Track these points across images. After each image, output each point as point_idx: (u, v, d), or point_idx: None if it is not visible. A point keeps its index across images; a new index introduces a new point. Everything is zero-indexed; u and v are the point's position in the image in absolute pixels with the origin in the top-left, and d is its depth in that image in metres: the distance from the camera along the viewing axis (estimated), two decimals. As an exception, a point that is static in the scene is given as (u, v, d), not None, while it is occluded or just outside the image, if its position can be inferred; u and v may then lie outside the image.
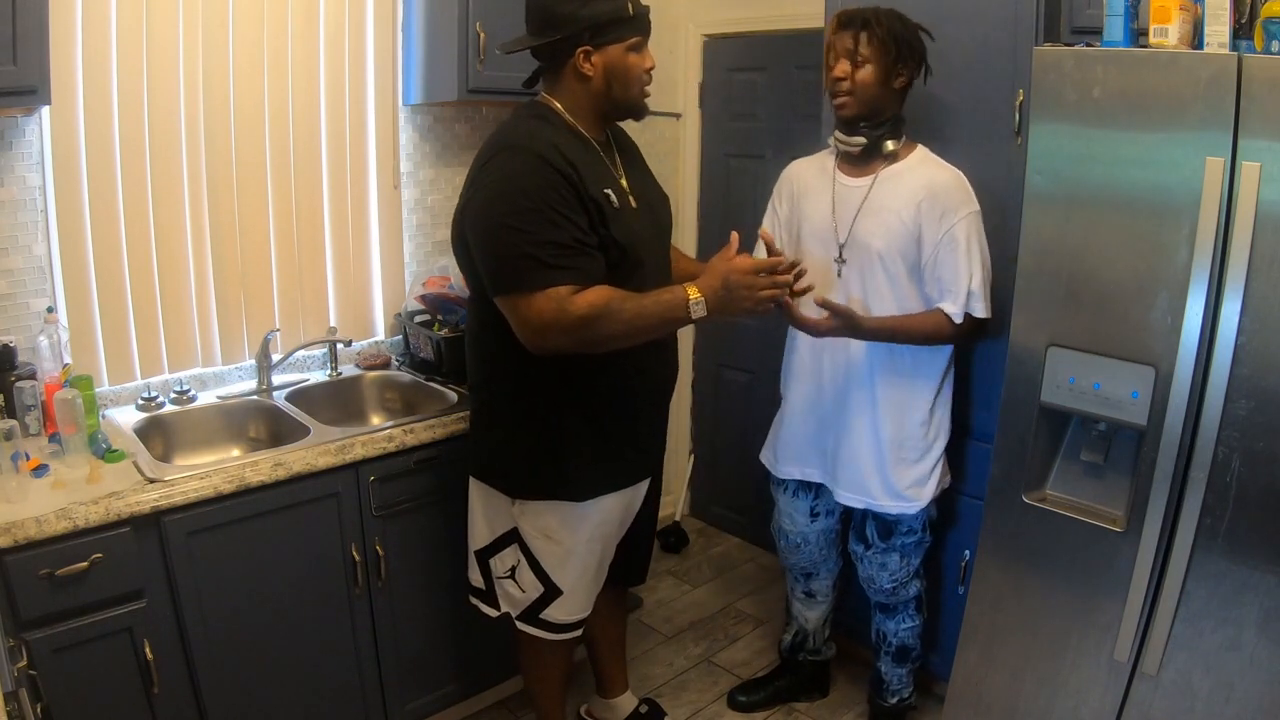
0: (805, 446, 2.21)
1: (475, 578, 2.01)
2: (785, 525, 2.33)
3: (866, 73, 1.93)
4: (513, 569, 1.92)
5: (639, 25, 1.72)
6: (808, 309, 1.93)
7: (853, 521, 2.24)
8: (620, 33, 1.69)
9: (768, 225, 2.23)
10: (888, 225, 1.97)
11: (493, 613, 2.01)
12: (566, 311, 1.61)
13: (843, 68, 1.94)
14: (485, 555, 1.96)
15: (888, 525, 2.15)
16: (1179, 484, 1.65)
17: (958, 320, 1.97)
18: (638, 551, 2.16)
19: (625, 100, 1.76)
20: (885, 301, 2.01)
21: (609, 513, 1.90)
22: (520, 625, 1.97)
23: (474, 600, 2.04)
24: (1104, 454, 1.83)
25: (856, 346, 2.06)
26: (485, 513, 1.94)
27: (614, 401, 1.82)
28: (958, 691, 2.07)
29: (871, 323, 1.97)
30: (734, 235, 1.71)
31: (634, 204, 1.79)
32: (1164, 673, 1.73)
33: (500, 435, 1.85)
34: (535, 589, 1.91)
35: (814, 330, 1.95)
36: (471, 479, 1.96)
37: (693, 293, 1.65)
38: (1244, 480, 1.58)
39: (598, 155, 1.76)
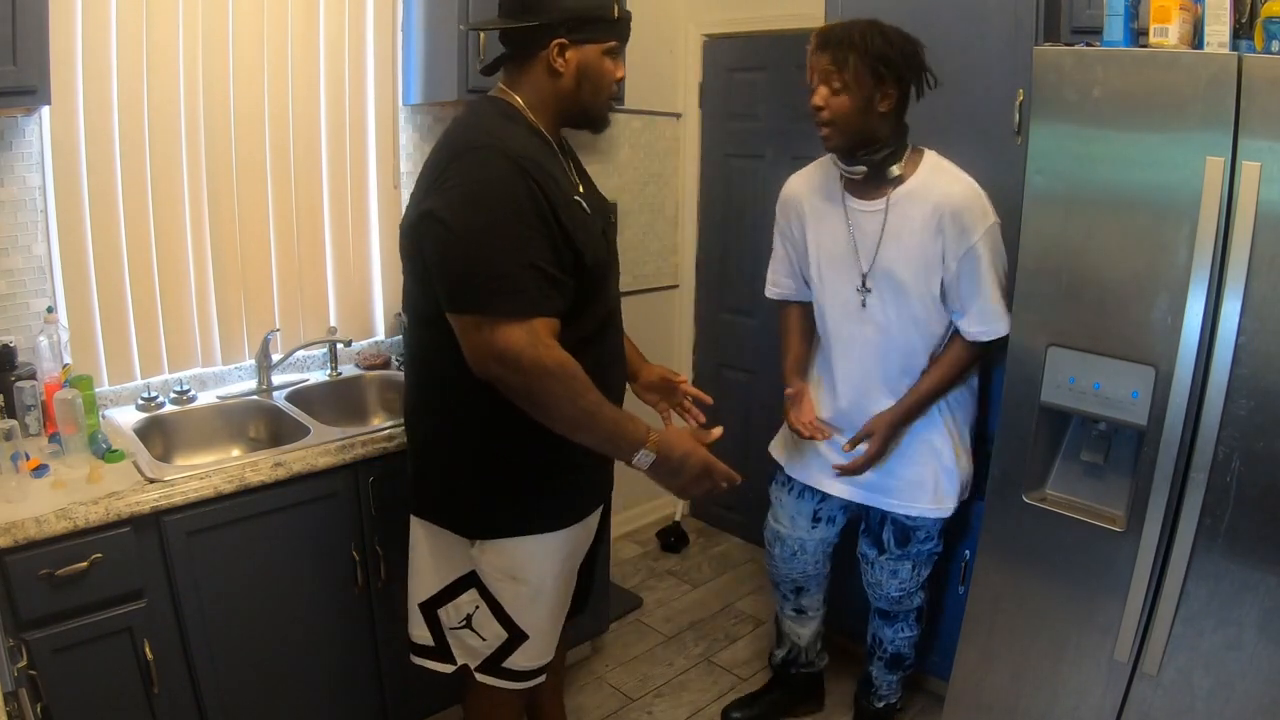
0: (826, 447, 2.10)
1: (420, 634, 1.79)
2: (783, 529, 2.22)
3: (843, 101, 1.79)
4: (469, 617, 1.72)
5: (619, 30, 1.58)
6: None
7: (867, 525, 2.17)
8: (600, 33, 1.55)
9: (781, 251, 2.14)
10: (909, 253, 1.89)
11: (447, 669, 1.79)
12: (539, 353, 1.42)
13: (820, 94, 1.81)
14: (433, 606, 1.76)
15: (906, 531, 2.09)
16: (1179, 484, 1.65)
17: (984, 340, 1.93)
18: (591, 577, 1.94)
19: (592, 106, 1.61)
20: (913, 328, 1.96)
21: (580, 541, 1.75)
22: (480, 677, 1.76)
23: (420, 659, 1.81)
24: (1104, 454, 1.83)
25: (871, 361, 2.00)
26: (433, 557, 1.73)
27: None
28: (958, 691, 2.07)
29: (906, 407, 1.99)
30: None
31: (590, 212, 1.61)
32: (1164, 673, 1.73)
33: (459, 470, 1.63)
34: (497, 636, 1.71)
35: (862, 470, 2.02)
36: (413, 519, 1.76)
37: (650, 442, 1.52)
38: (1244, 480, 1.58)
39: (559, 162, 1.60)
